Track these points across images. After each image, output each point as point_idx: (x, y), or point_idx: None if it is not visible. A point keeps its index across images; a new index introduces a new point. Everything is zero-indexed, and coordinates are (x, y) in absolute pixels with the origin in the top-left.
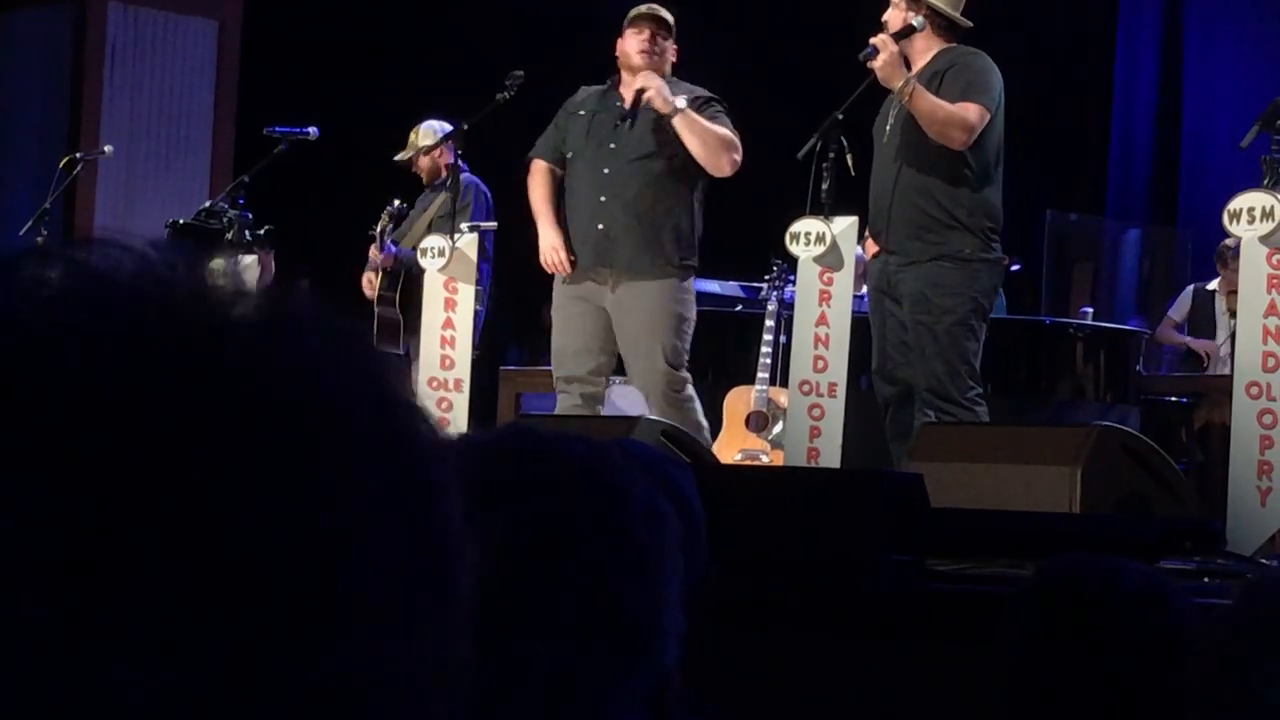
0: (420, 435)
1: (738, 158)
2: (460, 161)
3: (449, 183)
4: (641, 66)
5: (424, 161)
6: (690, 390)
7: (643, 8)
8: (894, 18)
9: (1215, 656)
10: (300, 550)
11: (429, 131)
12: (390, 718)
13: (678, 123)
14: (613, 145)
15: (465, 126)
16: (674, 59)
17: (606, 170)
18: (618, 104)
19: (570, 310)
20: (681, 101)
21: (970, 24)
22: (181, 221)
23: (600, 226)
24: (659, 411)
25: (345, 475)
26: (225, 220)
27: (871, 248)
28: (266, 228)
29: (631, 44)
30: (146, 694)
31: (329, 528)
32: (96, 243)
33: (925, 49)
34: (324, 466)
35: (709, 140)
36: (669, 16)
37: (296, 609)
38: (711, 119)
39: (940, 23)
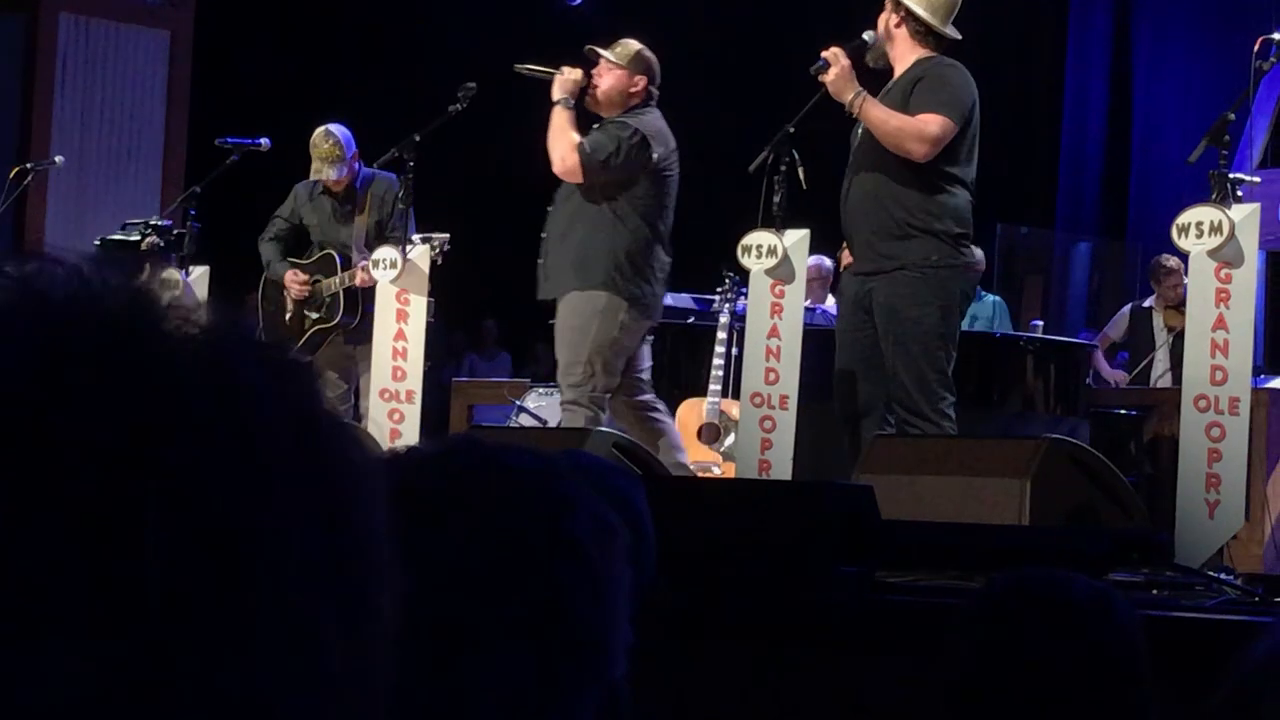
0: (345, 458)
1: (557, 168)
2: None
3: (401, 192)
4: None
5: (344, 174)
6: (581, 395)
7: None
8: (882, 22)
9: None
10: (201, 564)
11: (337, 139)
12: None
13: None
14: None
15: (417, 137)
16: (628, 89)
17: (550, 208)
18: None
19: None
20: (569, 102)
21: (958, 36)
22: (111, 238)
23: (540, 261)
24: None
25: (255, 494)
26: (168, 235)
27: (845, 258)
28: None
29: None
30: (44, 696)
31: (234, 544)
32: (32, 257)
33: (904, 56)
34: (233, 485)
35: (550, 133)
36: (618, 48)
37: (194, 621)
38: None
39: (919, 29)
